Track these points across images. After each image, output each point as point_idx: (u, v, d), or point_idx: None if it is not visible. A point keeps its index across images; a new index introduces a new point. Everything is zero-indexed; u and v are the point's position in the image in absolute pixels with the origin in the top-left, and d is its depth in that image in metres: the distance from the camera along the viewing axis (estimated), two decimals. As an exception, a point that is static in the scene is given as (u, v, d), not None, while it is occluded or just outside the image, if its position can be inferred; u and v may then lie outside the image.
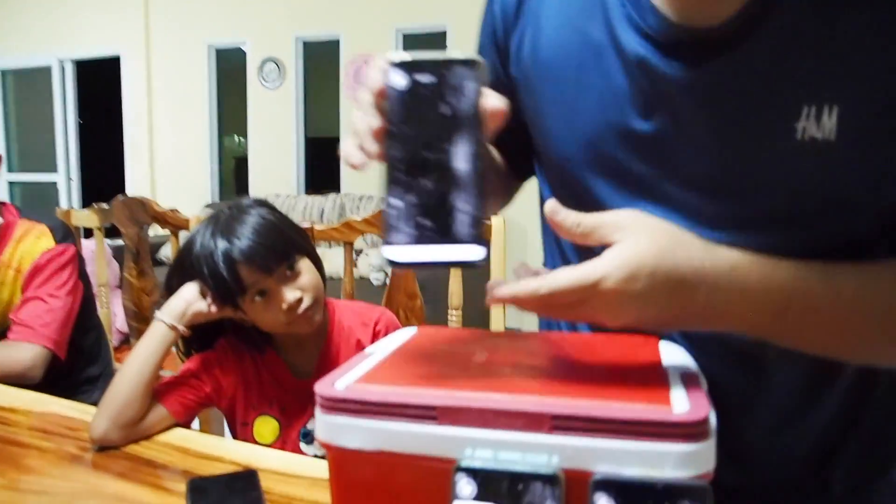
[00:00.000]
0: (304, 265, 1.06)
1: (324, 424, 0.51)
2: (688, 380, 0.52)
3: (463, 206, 0.47)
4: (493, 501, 0.45)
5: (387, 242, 0.47)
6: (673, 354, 0.60)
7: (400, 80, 0.48)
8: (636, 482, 0.44)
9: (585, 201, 0.63)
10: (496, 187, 0.83)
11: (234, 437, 1.12)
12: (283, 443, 1.10)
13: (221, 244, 1.00)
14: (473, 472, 0.46)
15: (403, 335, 0.68)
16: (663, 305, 0.51)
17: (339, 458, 0.51)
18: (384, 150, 0.48)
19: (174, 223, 1.63)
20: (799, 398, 0.66)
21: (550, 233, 0.85)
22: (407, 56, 0.48)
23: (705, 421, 0.45)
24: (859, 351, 0.58)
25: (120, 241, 3.97)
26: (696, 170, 0.60)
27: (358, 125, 0.50)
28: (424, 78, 0.48)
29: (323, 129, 5.34)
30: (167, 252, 4.31)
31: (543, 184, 0.78)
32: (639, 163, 0.62)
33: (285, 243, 1.04)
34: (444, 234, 0.47)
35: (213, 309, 1.02)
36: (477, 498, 0.46)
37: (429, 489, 0.49)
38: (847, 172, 0.55)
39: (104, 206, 1.76)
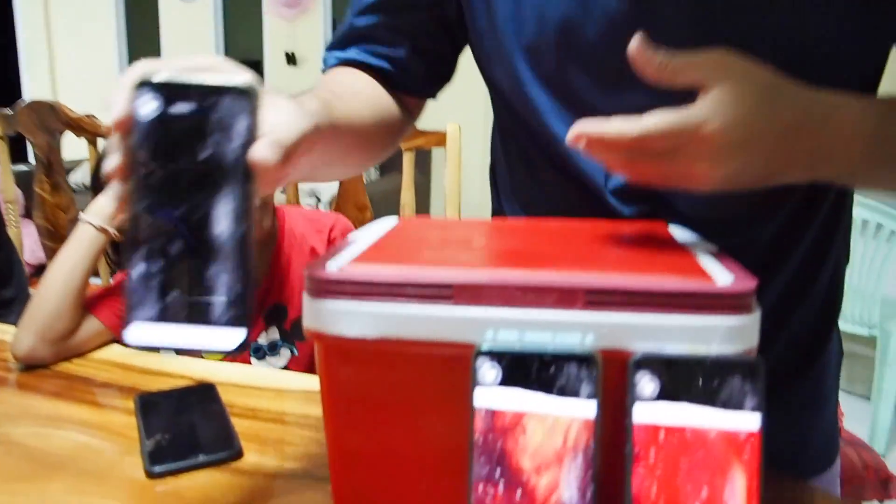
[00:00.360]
0: None
1: (314, 312, 0.44)
2: (719, 257, 0.47)
3: (219, 280, 0.37)
4: (522, 386, 0.40)
5: (126, 319, 0.38)
6: (689, 236, 0.55)
7: (148, 108, 0.38)
8: (682, 359, 0.40)
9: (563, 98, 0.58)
10: (368, 144, 0.70)
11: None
12: (231, 360, 1.02)
13: None
14: (497, 356, 0.40)
15: (384, 224, 0.60)
16: (769, 154, 0.46)
17: (334, 351, 0.45)
18: (126, 199, 0.38)
19: (92, 130, 1.47)
20: (748, 217, 0.65)
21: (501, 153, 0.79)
22: (161, 77, 0.38)
23: (753, 292, 0.41)
24: None
25: (23, 167, 3.65)
26: (676, 30, 0.54)
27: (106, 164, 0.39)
28: (181, 108, 0.38)
29: (245, 50, 5.00)
30: (82, 177, 3.97)
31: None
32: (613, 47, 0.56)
33: None
34: (194, 314, 0.37)
35: None
36: (502, 384, 0.40)
37: (441, 380, 0.44)
38: (831, 25, 0.53)
39: (7, 111, 1.56)
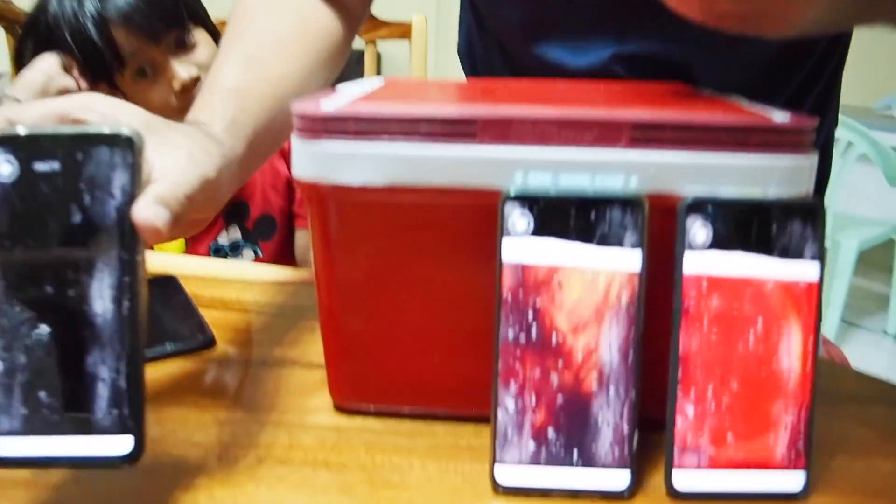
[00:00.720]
0: (202, 37, 0.85)
1: (308, 157, 0.37)
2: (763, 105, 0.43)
3: (99, 374, 0.31)
4: (557, 236, 0.35)
5: None
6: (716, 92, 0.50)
7: (6, 169, 0.31)
8: (737, 203, 0.35)
9: None
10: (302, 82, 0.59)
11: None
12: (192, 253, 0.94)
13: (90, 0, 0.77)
14: (529, 202, 0.35)
15: (372, 81, 0.53)
16: None
17: (334, 204, 0.38)
18: None
19: (9, 16, 1.30)
20: (761, 86, 0.61)
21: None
22: (19, 130, 0.31)
23: (813, 130, 0.36)
24: None
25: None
26: None
27: None
28: (45, 165, 0.31)
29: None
30: (-3, 90, 3.65)
31: None
32: None
33: (175, 3, 0.82)
34: (67, 421, 0.31)
35: (83, 87, 0.80)
36: (535, 233, 0.35)
37: (463, 234, 0.38)
38: None
39: None
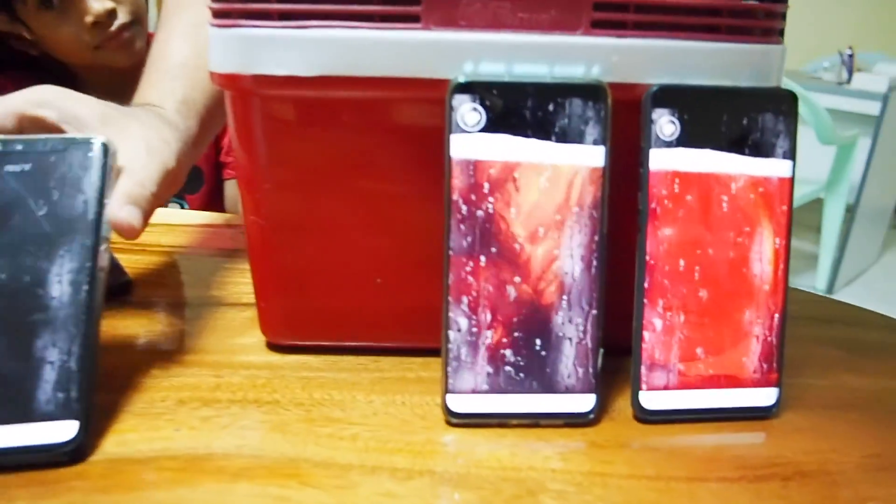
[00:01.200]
0: None
1: (226, 46, 0.32)
2: None
3: (51, 357, 0.30)
4: (511, 131, 0.31)
5: None
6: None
7: None
8: (706, 92, 0.32)
9: None
10: None
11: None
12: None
13: None
14: (480, 93, 0.31)
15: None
16: None
17: (256, 99, 0.33)
18: None
19: None
20: None
21: None
22: None
23: (783, 15, 0.33)
24: None
25: None
26: None
27: None
28: (16, 166, 0.32)
29: None
30: None
31: None
32: None
33: None
34: (14, 406, 0.29)
35: None
36: (487, 128, 0.31)
37: (406, 132, 0.34)
38: None
39: None
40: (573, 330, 0.32)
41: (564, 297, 0.32)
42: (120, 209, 0.34)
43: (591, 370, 0.32)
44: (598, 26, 0.32)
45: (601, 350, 0.32)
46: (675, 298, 0.32)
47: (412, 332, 0.37)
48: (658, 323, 0.32)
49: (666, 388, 0.33)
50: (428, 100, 0.32)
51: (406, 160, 0.34)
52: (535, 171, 0.31)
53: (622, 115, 0.32)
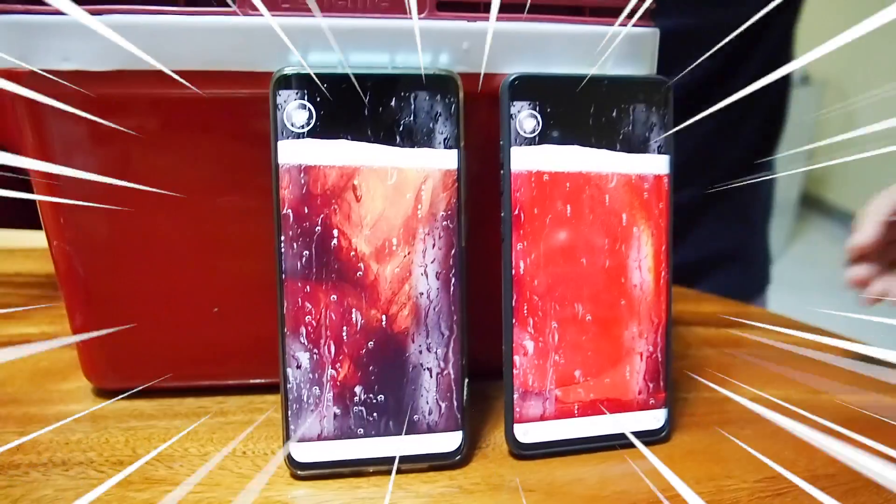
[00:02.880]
0: None
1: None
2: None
3: None
4: (347, 133, 0.26)
5: None
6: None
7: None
8: (569, 81, 0.28)
9: None
10: None
11: None
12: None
13: None
14: (309, 87, 0.26)
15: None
16: None
17: (32, 105, 0.28)
18: None
19: None
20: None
21: None
22: None
23: (654, -2, 0.30)
24: None
25: None
26: None
27: None
28: None
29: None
30: None
31: None
32: None
33: None
34: None
35: None
36: (319, 129, 0.26)
37: (225, 133, 0.29)
38: None
39: None
40: (432, 359, 0.28)
41: (420, 321, 0.28)
42: None
43: (455, 403, 0.28)
44: (445, 8, 0.27)
45: (466, 380, 0.28)
46: (548, 316, 0.29)
47: (260, 366, 0.32)
48: (530, 345, 0.29)
49: (542, 418, 0.29)
50: (251, 98, 0.27)
51: (232, 169, 0.29)
52: (378, 176, 0.27)
53: (478, 110, 0.28)
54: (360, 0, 0.27)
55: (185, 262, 0.31)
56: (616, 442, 0.30)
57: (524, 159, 0.28)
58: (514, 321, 0.28)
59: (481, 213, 0.28)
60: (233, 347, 0.32)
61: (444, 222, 0.27)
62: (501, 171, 0.28)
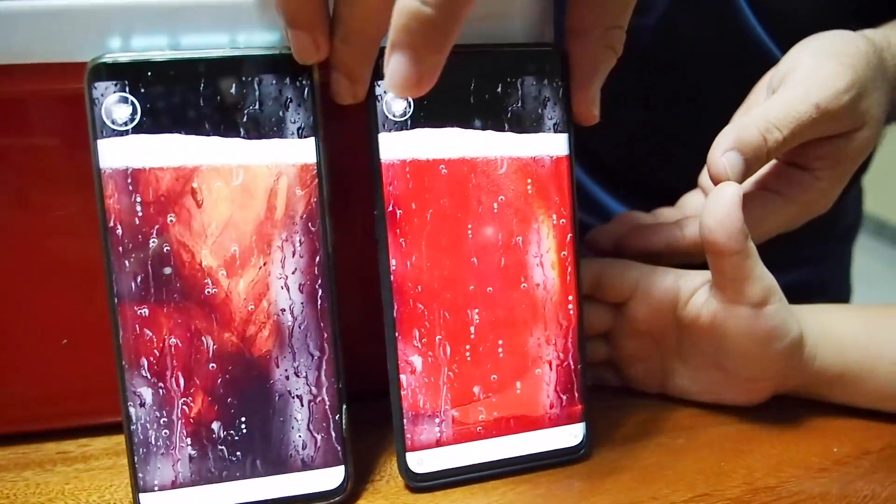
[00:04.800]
0: None
1: None
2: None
3: None
4: (181, 127, 0.23)
5: None
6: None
7: None
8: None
9: None
10: None
11: None
12: None
13: None
14: (130, 76, 0.22)
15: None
16: None
17: None
18: None
19: None
20: None
21: None
22: None
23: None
24: None
25: None
26: None
27: None
28: None
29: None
30: None
31: None
32: None
33: None
34: None
35: None
36: (145, 125, 0.22)
37: (45, 136, 0.25)
38: None
39: None
40: (302, 385, 0.24)
41: (284, 342, 0.24)
42: None
43: (334, 434, 0.24)
44: (291, -23, 0.23)
45: (344, 406, 0.24)
46: (436, 326, 0.25)
47: (101, 404, 0.28)
48: (417, 361, 0.25)
49: (439, 443, 0.25)
50: (65, 93, 0.23)
51: (60, 179, 0.25)
52: (222, 176, 0.23)
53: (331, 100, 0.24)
54: (190, -29, 0.23)
55: (20, 291, 0.26)
56: (527, 464, 0.26)
57: (395, 147, 0.24)
58: (396, 335, 0.24)
59: (350, 213, 0.24)
60: (90, 382, 0.28)
61: (305, 225, 0.23)
62: (371, 163, 0.24)
